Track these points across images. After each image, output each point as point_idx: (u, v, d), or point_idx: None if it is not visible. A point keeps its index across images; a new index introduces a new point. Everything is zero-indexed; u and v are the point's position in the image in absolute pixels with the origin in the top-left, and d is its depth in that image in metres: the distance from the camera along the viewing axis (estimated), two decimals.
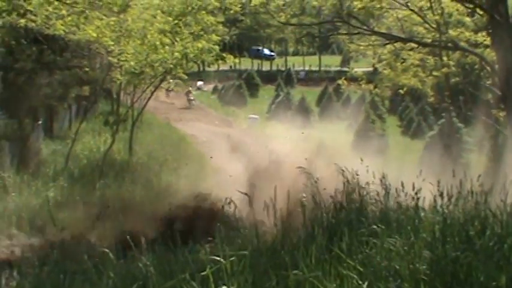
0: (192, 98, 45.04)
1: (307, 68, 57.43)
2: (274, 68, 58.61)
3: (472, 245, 5.98)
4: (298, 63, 57.87)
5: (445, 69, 23.16)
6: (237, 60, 55.33)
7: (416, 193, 7.52)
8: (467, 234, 6.29)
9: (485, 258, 5.73)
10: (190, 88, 43.56)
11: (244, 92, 47.02)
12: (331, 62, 57.42)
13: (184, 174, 22.46)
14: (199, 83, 49.83)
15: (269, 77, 53.27)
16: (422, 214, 7.07)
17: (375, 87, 26.01)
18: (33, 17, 18.12)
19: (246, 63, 57.83)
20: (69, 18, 18.40)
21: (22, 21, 18.25)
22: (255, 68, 57.40)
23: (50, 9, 17.98)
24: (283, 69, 56.45)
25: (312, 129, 32.35)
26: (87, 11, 18.55)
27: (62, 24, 18.39)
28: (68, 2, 17.68)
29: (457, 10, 20.09)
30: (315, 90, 46.85)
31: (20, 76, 21.86)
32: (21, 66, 21.68)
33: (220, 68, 52.75)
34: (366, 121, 32.06)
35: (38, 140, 24.07)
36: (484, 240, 6.05)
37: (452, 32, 19.94)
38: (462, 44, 19.30)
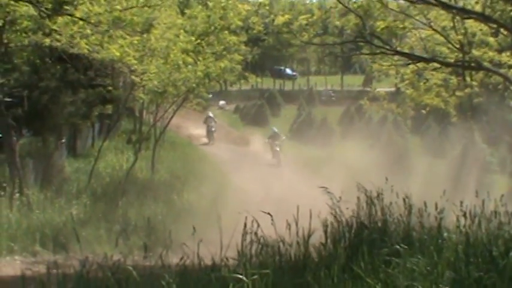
0: (213, 128, 39.83)
1: (329, 88, 57.46)
2: (296, 87, 58.73)
3: (495, 266, 5.94)
4: (320, 83, 57.97)
5: (468, 89, 23.06)
6: (259, 80, 55.81)
7: (439, 213, 7.49)
8: (490, 254, 6.24)
9: (509, 279, 5.69)
10: (210, 114, 40.17)
11: (266, 111, 47.12)
12: (354, 81, 57.46)
13: (205, 192, 22.51)
14: (222, 102, 50.03)
15: (291, 96, 53.40)
16: (445, 234, 7.03)
17: (397, 106, 25.96)
18: (58, 36, 18.30)
19: (268, 83, 58.05)
20: (93, 37, 18.56)
21: (47, 40, 18.44)
22: (277, 87, 57.55)
23: (75, 28, 18.16)
24: (305, 88, 56.58)
25: (333, 148, 32.34)
26: (111, 31, 18.73)
27: (86, 43, 18.56)
28: (92, 21, 17.85)
29: (481, 30, 20.04)
30: (336, 110, 46.83)
31: (45, 94, 22.06)
32: (45, 85, 21.89)
33: (242, 88, 53.06)
34: (389, 141, 31.96)
35: (62, 157, 24.25)
36: (508, 261, 6.00)
37: (475, 52, 19.87)
38: (486, 64, 19.18)
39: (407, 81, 23.12)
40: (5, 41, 18.32)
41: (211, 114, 40.07)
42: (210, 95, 31.64)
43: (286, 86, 58.81)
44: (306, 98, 51.17)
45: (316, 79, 60.12)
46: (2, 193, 17.60)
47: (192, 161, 29.19)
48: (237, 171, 27.92)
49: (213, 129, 39.62)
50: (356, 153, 28.68)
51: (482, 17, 15.68)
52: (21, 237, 15.17)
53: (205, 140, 39.41)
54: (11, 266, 12.27)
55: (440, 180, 24.55)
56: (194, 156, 31.65)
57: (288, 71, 62.66)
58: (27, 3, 17.13)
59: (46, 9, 17.10)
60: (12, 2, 16.96)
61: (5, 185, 17.97)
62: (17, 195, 17.90)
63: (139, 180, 24.68)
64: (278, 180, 27.17)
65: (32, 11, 17.60)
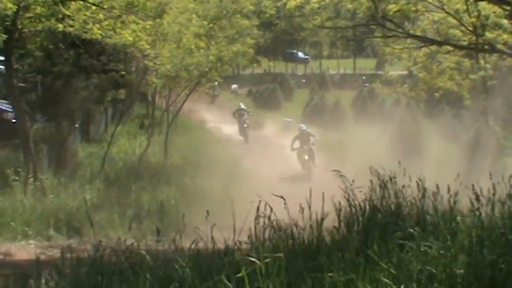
0: (246, 122, 34.27)
1: (341, 71, 57.29)
2: (308, 71, 58.60)
3: (510, 249, 5.91)
4: (332, 67, 57.80)
5: (481, 72, 22.89)
6: (271, 64, 55.72)
7: (451, 196, 7.46)
8: (505, 238, 6.22)
9: None
10: (242, 105, 35.47)
11: (279, 95, 47.04)
12: (366, 65, 57.27)
13: (218, 176, 22.54)
14: (234, 86, 49.95)
15: (303, 81, 53.29)
16: (459, 217, 7.01)
17: (410, 90, 25.83)
18: (71, 22, 18.34)
19: (280, 67, 57.94)
20: (106, 22, 18.60)
21: (60, 26, 18.48)
22: (289, 71, 57.43)
23: (88, 14, 18.20)
24: (317, 72, 56.45)
25: (346, 132, 32.28)
26: (123, 16, 18.74)
27: (98, 29, 18.59)
28: (105, 7, 17.89)
29: (494, 12, 19.82)
30: (349, 93, 46.69)
31: (58, 80, 22.16)
32: (59, 70, 21.98)
33: (255, 71, 52.99)
34: (401, 124, 31.87)
35: (75, 142, 24.37)
36: None
37: (489, 35, 19.67)
38: (499, 46, 19.03)
39: (420, 65, 22.98)
40: (19, 26, 18.35)
41: (243, 106, 35.27)
42: (216, 83, 30.05)
43: (299, 70, 58.66)
44: (319, 81, 51.03)
45: (329, 63, 59.97)
46: (17, 178, 17.71)
47: (205, 145, 29.22)
48: (251, 154, 27.96)
49: (246, 124, 34.03)
50: (369, 137, 28.65)
51: None
52: (35, 222, 15.29)
53: (239, 137, 34.03)
54: (26, 250, 12.35)
55: (453, 164, 24.50)
56: (207, 140, 31.67)
57: (300, 54, 62.50)
58: None
59: None
60: None
61: (19, 170, 18.08)
62: (31, 180, 18.02)
63: (152, 165, 24.78)
64: (291, 164, 27.17)
65: None
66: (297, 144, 27.40)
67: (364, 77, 51.85)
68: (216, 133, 35.16)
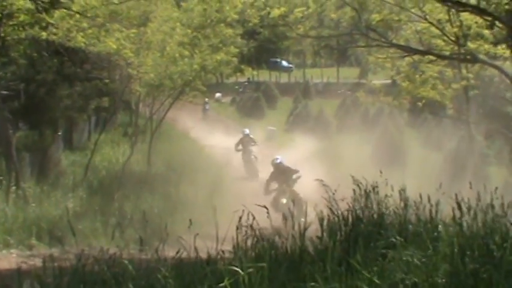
0: (253, 153, 27.83)
1: (325, 80, 57.42)
2: (292, 80, 58.70)
3: (492, 258, 5.96)
4: (316, 75, 57.93)
5: (464, 82, 23.07)
6: (255, 72, 55.80)
7: (432, 205, 7.50)
8: (487, 247, 6.26)
9: (506, 272, 5.71)
10: (246, 131, 28.66)
11: (263, 103, 47.07)
12: (349, 74, 57.42)
13: (202, 185, 22.50)
14: (218, 94, 49.88)
15: (287, 89, 53.34)
16: (441, 227, 7.05)
17: (394, 99, 25.97)
18: (54, 30, 18.32)
19: (264, 75, 58.00)
20: (90, 30, 18.61)
21: (44, 33, 18.45)
22: (273, 79, 57.51)
23: (72, 22, 18.19)
24: (301, 81, 56.54)
25: (329, 141, 32.37)
26: (107, 24, 18.75)
27: (82, 37, 18.60)
28: (89, 15, 17.88)
29: (476, 23, 20.01)
30: (332, 102, 46.80)
31: (41, 88, 22.10)
32: (42, 78, 21.93)
33: (238, 80, 52.99)
34: (384, 133, 32.01)
35: (58, 151, 24.25)
36: (504, 253, 6.02)
37: (471, 45, 19.86)
38: (481, 56, 19.20)
39: (403, 74, 23.10)
40: (2, 34, 18.30)
41: (247, 131, 28.47)
42: (206, 99, 29.32)
43: (282, 79, 58.76)
44: (302, 90, 51.11)
45: (312, 71, 60.09)
46: None
47: (188, 154, 29.16)
48: (235, 163, 27.91)
49: (253, 155, 27.59)
50: (352, 146, 28.74)
51: (477, 10, 15.70)
52: (17, 231, 15.14)
53: (242, 173, 27.24)
54: (7, 259, 12.25)
55: (436, 173, 24.63)
56: (191, 149, 31.61)
57: (284, 63, 62.63)
58: None
59: (43, 2, 17.16)
60: None
61: (1, 178, 17.97)
62: (13, 188, 17.90)
63: (135, 173, 24.68)
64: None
65: (29, 4, 17.62)
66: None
67: (348, 92, 52.00)
68: (201, 143, 35.05)
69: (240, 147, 27.95)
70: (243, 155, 27.80)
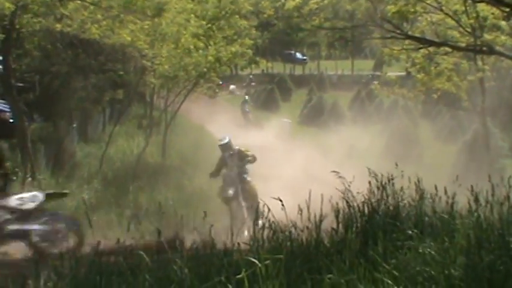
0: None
1: (339, 72, 57.20)
2: (306, 72, 58.51)
3: (508, 251, 5.92)
4: (330, 67, 57.73)
5: (479, 74, 22.88)
6: (269, 64, 55.70)
7: (449, 198, 7.47)
8: (503, 239, 6.22)
9: None
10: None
11: (277, 96, 46.95)
12: (364, 66, 57.16)
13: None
14: (232, 87, 49.79)
15: (301, 81, 53.18)
16: (457, 219, 7.01)
17: (408, 91, 25.82)
18: (69, 22, 18.38)
19: (278, 67, 57.85)
20: (104, 22, 18.63)
21: (58, 25, 18.51)
22: (287, 72, 57.35)
23: (86, 13, 18.23)
24: (315, 73, 56.35)
25: (344, 133, 32.26)
26: (121, 15, 18.75)
27: (97, 29, 18.63)
28: (103, 6, 17.90)
29: (493, 14, 19.82)
30: (347, 95, 46.60)
31: (56, 80, 22.15)
32: (56, 70, 21.97)
33: (253, 72, 52.92)
34: (399, 126, 31.86)
35: (73, 142, 24.34)
36: None
37: (487, 36, 19.68)
38: (497, 48, 19.03)
39: (418, 66, 22.95)
40: (17, 26, 18.35)
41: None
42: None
43: (297, 71, 58.58)
44: (317, 82, 50.92)
45: (327, 63, 59.85)
46: (14, 178, 17.68)
47: (203, 146, 29.16)
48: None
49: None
50: (367, 138, 28.64)
51: (494, 1, 15.55)
52: None
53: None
54: (24, 250, 12.32)
55: (451, 165, 24.51)
56: (206, 141, 31.60)
57: (299, 55, 62.41)
58: None
59: None
60: None
61: (17, 170, 18.06)
62: (29, 180, 17.99)
63: (150, 165, 24.73)
64: (290, 165, 27.11)
65: None
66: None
67: (370, 75, 51.49)
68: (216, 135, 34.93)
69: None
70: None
